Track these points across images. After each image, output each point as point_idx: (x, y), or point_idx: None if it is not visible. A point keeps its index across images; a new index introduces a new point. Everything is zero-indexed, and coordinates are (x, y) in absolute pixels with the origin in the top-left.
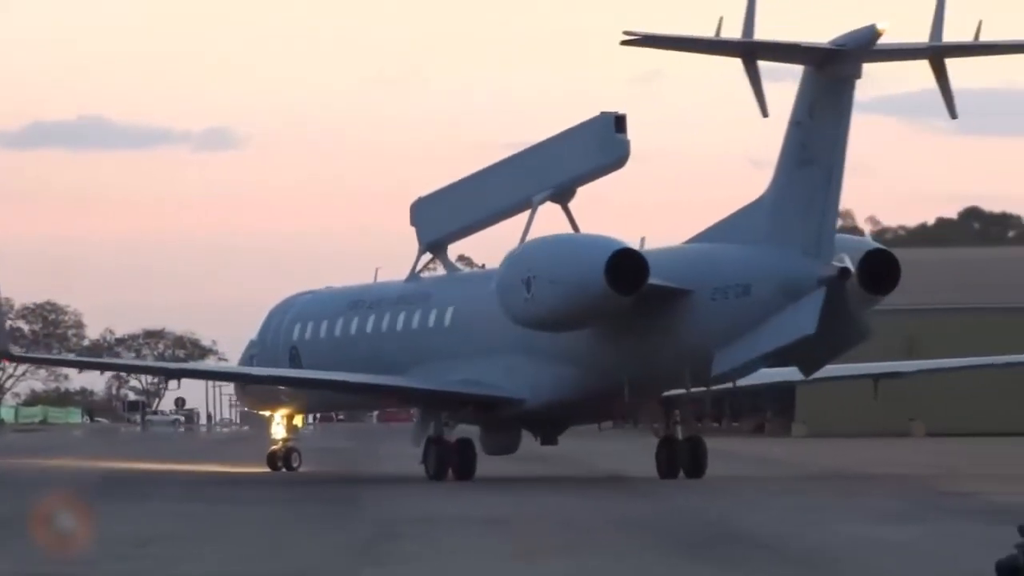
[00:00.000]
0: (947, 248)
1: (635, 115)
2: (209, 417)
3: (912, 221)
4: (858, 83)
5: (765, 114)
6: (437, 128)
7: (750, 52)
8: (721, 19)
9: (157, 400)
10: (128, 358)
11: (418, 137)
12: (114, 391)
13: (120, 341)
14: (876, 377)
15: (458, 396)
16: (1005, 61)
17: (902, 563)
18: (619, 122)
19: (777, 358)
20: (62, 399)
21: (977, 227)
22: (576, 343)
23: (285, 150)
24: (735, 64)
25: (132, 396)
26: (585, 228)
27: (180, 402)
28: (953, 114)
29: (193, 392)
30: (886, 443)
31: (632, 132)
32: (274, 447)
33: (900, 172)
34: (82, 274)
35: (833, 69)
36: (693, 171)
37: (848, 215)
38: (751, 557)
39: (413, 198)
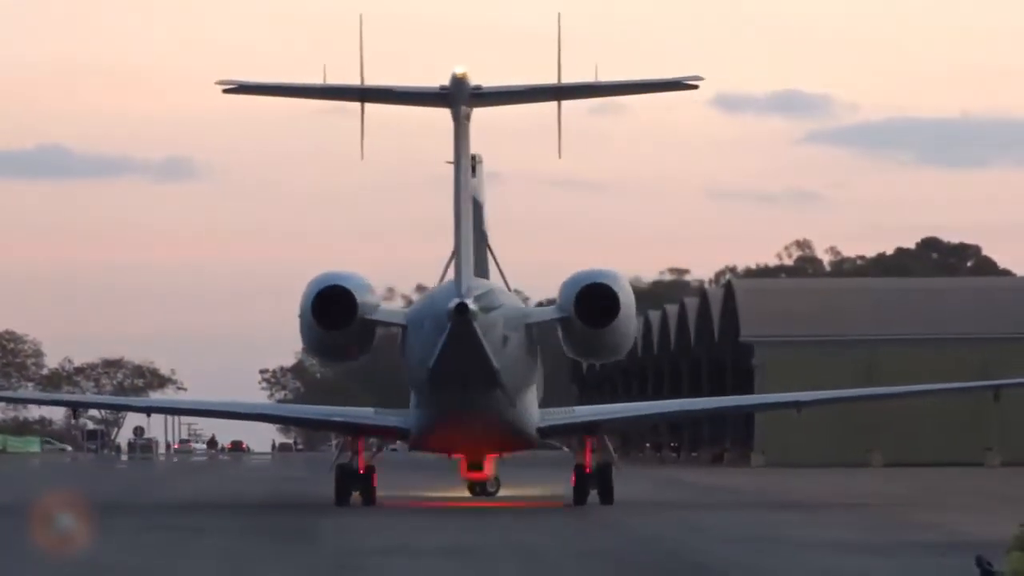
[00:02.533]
0: (906, 278)
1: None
2: (168, 446)
3: (871, 251)
4: (814, 114)
5: (362, 157)
6: (399, 157)
7: (363, 97)
8: (325, 66)
9: (116, 429)
10: (87, 387)
11: (381, 166)
12: (73, 420)
13: (79, 370)
14: (798, 406)
15: (355, 426)
16: (964, 91)
17: None
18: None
19: None
20: (21, 428)
21: (935, 257)
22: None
23: (246, 180)
24: (696, 94)
25: (91, 425)
26: (545, 256)
27: (139, 431)
28: (559, 154)
29: (151, 420)
30: (845, 473)
31: (591, 162)
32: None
33: (859, 202)
34: (41, 303)
35: (463, 112)
36: (652, 202)
37: (807, 245)
38: None
39: (375, 230)
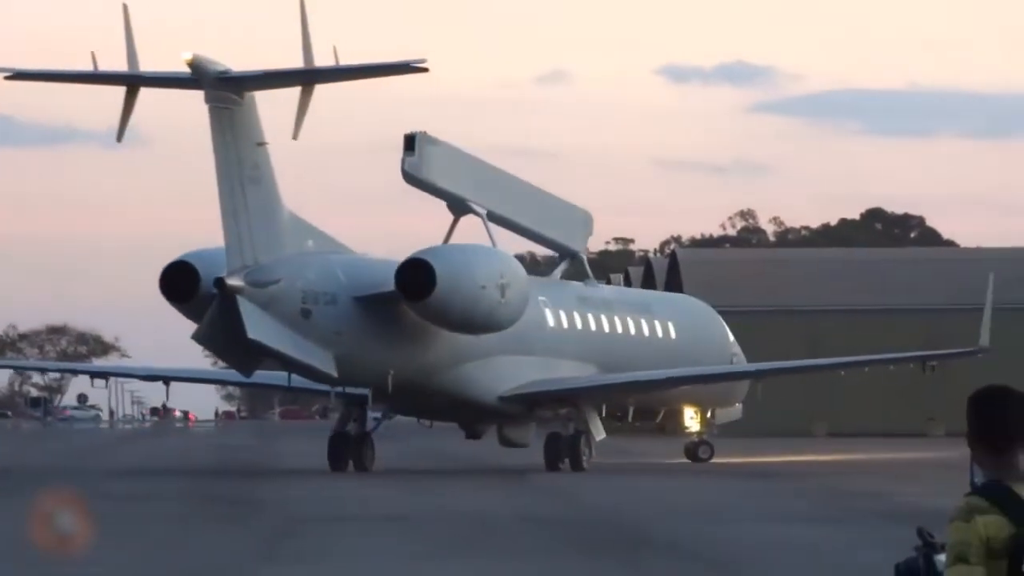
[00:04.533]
0: (850, 248)
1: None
2: (111, 413)
3: (815, 222)
4: (761, 84)
5: (119, 140)
6: (339, 128)
7: (126, 82)
8: (93, 53)
9: (59, 396)
10: (32, 354)
11: (325, 135)
12: (16, 387)
13: (23, 336)
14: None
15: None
16: (910, 62)
17: (805, 563)
18: (407, 141)
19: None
20: None
21: (879, 228)
22: None
23: (194, 148)
24: (643, 65)
25: (35, 392)
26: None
27: (83, 398)
28: (295, 136)
29: (94, 388)
30: (788, 443)
31: (538, 132)
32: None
33: (805, 173)
34: None
35: (216, 95)
36: (599, 171)
37: (751, 215)
38: (657, 557)
39: (323, 195)
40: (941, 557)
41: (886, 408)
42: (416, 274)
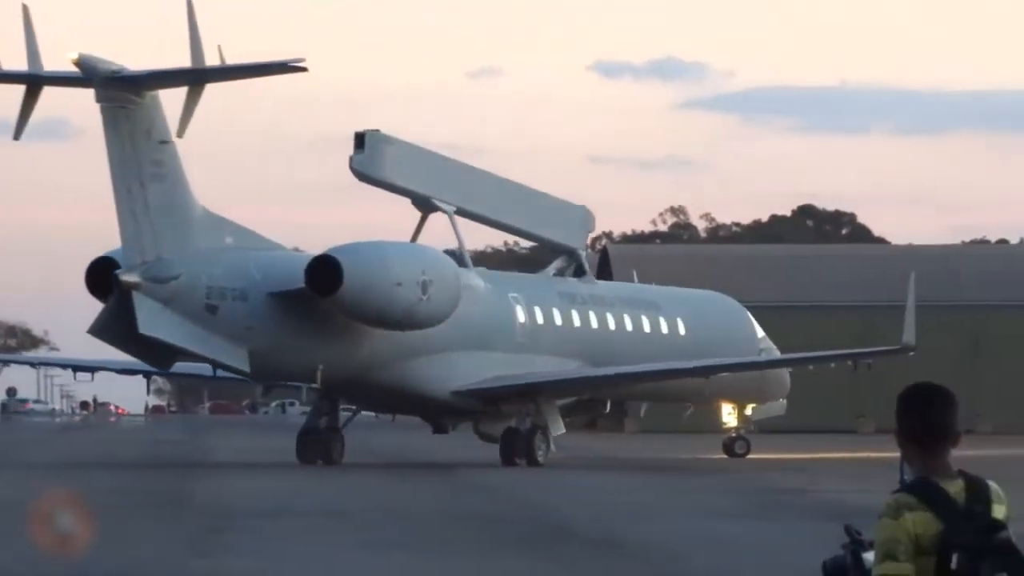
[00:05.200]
0: (781, 245)
1: (473, 110)
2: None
3: (746, 218)
4: (692, 81)
5: (16, 137)
6: (266, 124)
7: (25, 81)
8: None
9: None
10: None
11: (246, 132)
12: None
13: None
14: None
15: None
16: (842, 59)
17: (733, 559)
18: (357, 139)
19: None
20: None
21: (811, 224)
22: None
23: None
24: (574, 61)
25: None
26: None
27: (12, 391)
28: (180, 134)
29: (22, 381)
30: (718, 439)
31: (470, 127)
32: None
33: (735, 170)
34: None
35: (109, 95)
36: (531, 167)
37: (682, 211)
38: (585, 552)
39: (251, 191)
40: (869, 555)
41: (816, 405)
42: (324, 271)
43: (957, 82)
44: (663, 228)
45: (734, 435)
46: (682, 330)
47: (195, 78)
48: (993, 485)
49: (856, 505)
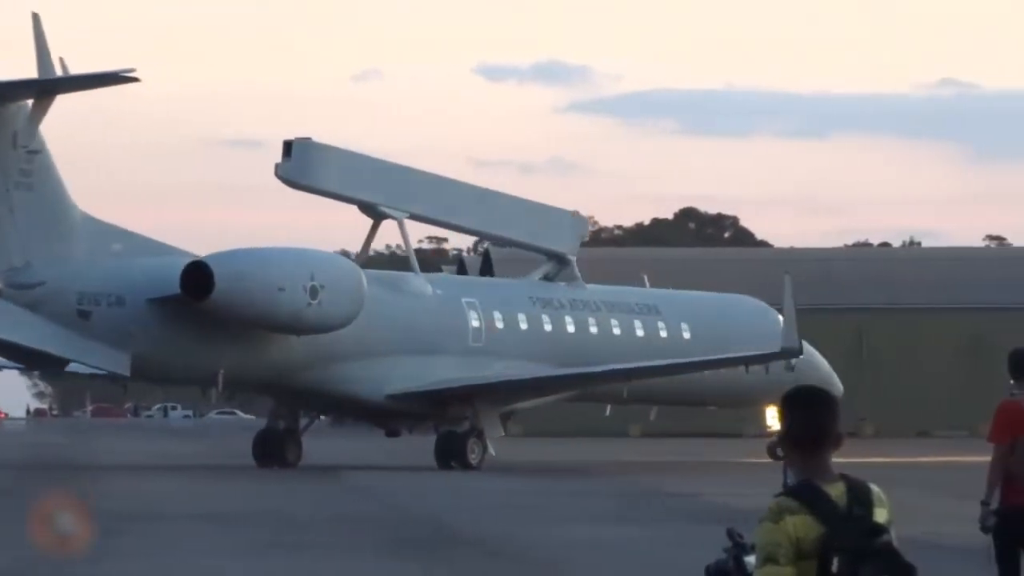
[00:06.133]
0: (663, 248)
1: (356, 113)
2: None
3: (629, 221)
4: (577, 84)
5: None
6: (156, 125)
7: None
8: None
9: None
10: None
11: (137, 134)
12: None
13: None
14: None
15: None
16: (726, 63)
17: (617, 564)
18: (285, 147)
19: None
20: None
21: (693, 227)
22: None
23: None
24: (459, 64)
25: None
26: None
27: None
28: (26, 143)
29: None
30: (604, 443)
31: (354, 130)
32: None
33: (618, 173)
34: None
35: None
36: None
37: None
38: (467, 557)
39: (128, 195)
40: (751, 558)
41: (698, 408)
42: (197, 276)
43: (840, 86)
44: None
45: (778, 439)
46: (686, 334)
47: (33, 89)
48: (875, 488)
49: (739, 508)
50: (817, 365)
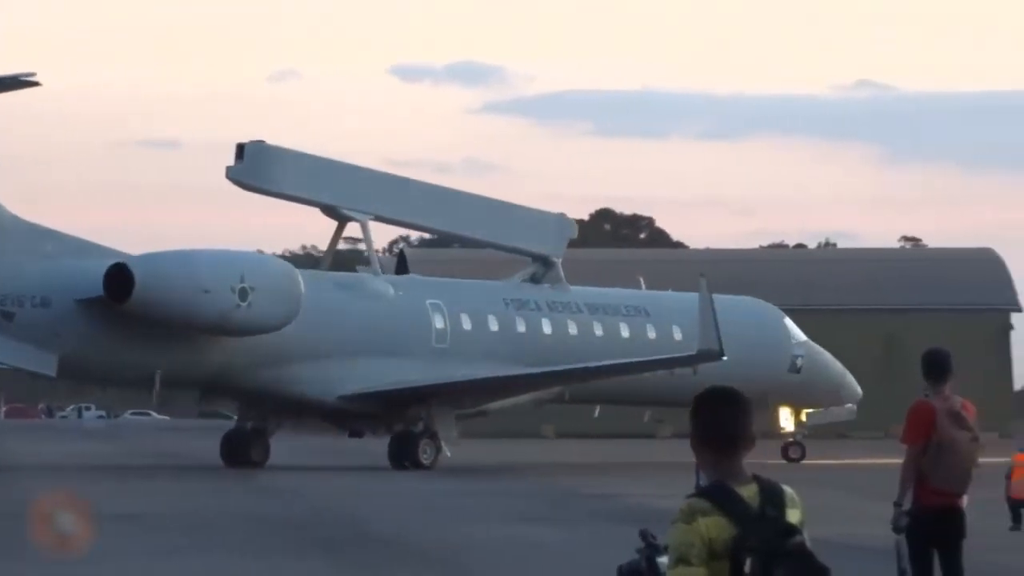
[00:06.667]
0: (579, 249)
1: (272, 113)
2: None
3: None
4: (492, 85)
5: None
6: (65, 127)
7: None
8: None
9: None
10: None
11: (46, 136)
12: None
13: None
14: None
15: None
16: (643, 64)
17: (531, 564)
18: (238, 150)
19: None
20: None
21: (609, 228)
22: None
23: None
24: (374, 64)
25: None
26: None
27: None
28: None
29: None
30: (518, 444)
31: (271, 130)
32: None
33: (534, 173)
34: None
35: None
36: None
37: None
38: (386, 558)
39: (51, 196)
40: (663, 559)
41: (614, 410)
42: (119, 278)
43: (757, 88)
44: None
45: (791, 440)
46: (677, 336)
47: None
48: (788, 489)
49: (652, 509)
50: (825, 367)
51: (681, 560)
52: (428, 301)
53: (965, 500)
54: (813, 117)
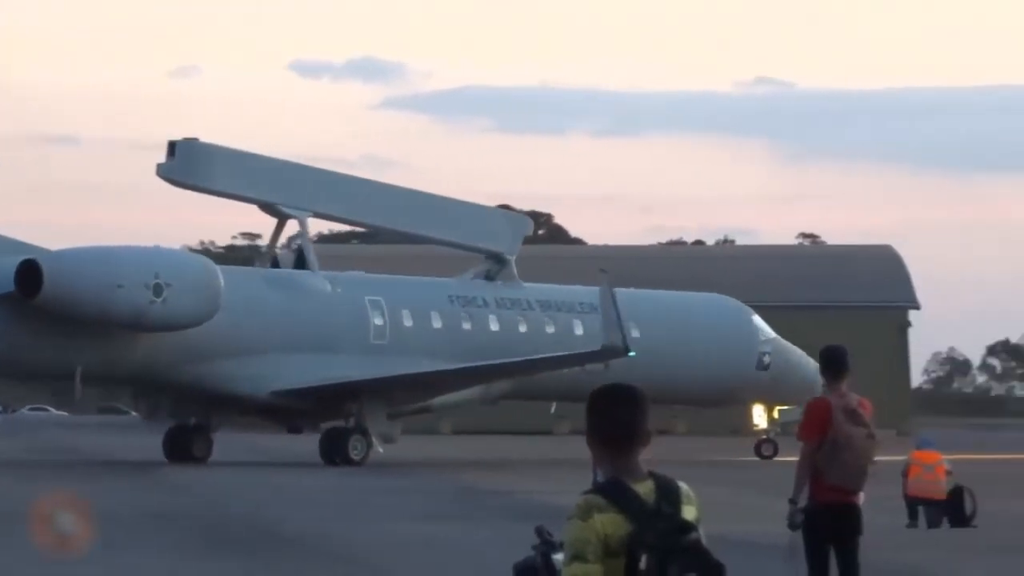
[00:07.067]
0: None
1: (173, 109)
2: None
3: None
4: (391, 81)
5: None
6: None
7: None
8: None
9: None
10: None
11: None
12: None
13: None
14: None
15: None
16: (542, 60)
17: (427, 561)
18: (169, 147)
19: None
20: None
21: None
22: None
23: None
24: (273, 60)
25: None
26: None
27: None
28: None
29: None
30: (415, 440)
31: (172, 126)
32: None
33: (433, 170)
34: None
35: None
36: None
37: None
38: (289, 555)
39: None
40: (559, 556)
41: (514, 406)
42: (28, 274)
43: (657, 84)
44: (359, 228)
45: (763, 437)
46: (635, 333)
47: None
48: (683, 486)
49: (549, 506)
50: (796, 364)
51: (577, 557)
52: (367, 298)
53: (862, 497)
54: (712, 114)
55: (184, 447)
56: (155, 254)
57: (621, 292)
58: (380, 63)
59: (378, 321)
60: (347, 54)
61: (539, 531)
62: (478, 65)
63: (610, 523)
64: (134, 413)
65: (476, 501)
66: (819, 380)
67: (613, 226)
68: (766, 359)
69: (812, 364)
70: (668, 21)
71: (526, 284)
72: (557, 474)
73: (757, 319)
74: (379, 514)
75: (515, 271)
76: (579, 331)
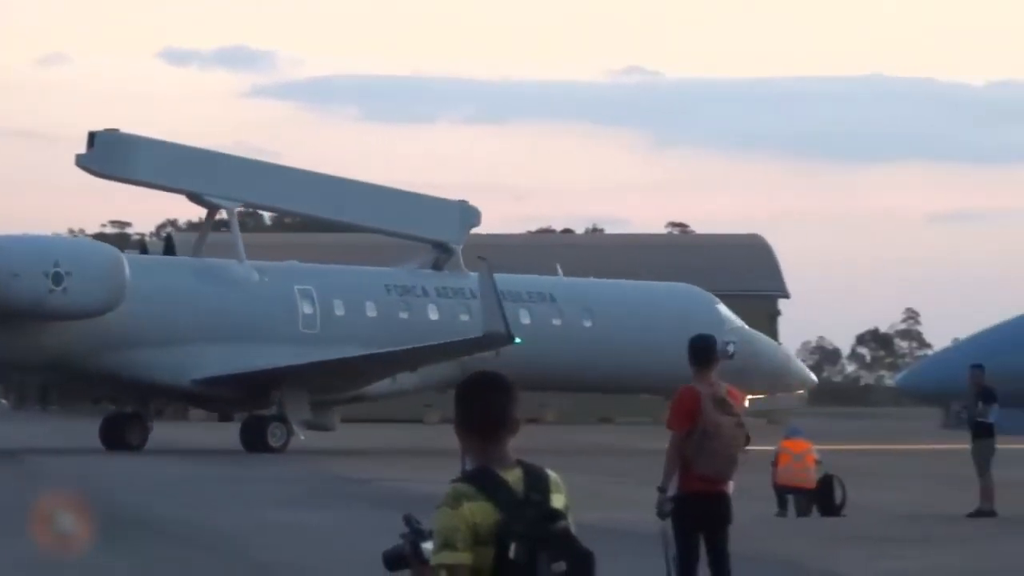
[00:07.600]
0: (344, 234)
1: (42, 97)
2: None
3: None
4: (261, 69)
5: None
6: None
7: None
8: None
9: None
10: None
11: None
12: None
13: None
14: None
15: None
16: (413, 49)
17: (295, 549)
18: (90, 138)
19: None
20: None
21: None
22: None
23: None
24: (142, 48)
25: None
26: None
27: None
28: None
29: None
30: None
31: (41, 115)
32: None
33: (303, 158)
34: None
35: None
36: None
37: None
38: (155, 542)
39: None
40: (428, 544)
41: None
42: None
43: (527, 72)
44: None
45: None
46: (587, 323)
47: None
48: (552, 474)
49: (417, 494)
50: (764, 353)
51: (446, 545)
52: (296, 287)
53: (731, 485)
54: (582, 102)
55: (119, 435)
56: (55, 243)
57: (583, 281)
58: (250, 51)
59: (307, 310)
60: (217, 42)
61: (407, 519)
62: (348, 53)
63: (479, 511)
64: (3, 401)
65: (340, 488)
66: (788, 367)
67: (484, 215)
68: (730, 348)
69: (781, 352)
70: (540, 9)
71: (472, 273)
72: (425, 462)
73: (722, 307)
74: (246, 501)
75: (461, 261)
76: (526, 320)
